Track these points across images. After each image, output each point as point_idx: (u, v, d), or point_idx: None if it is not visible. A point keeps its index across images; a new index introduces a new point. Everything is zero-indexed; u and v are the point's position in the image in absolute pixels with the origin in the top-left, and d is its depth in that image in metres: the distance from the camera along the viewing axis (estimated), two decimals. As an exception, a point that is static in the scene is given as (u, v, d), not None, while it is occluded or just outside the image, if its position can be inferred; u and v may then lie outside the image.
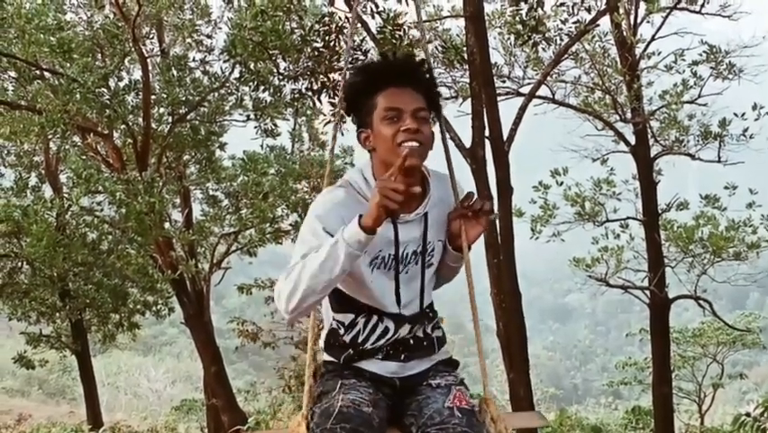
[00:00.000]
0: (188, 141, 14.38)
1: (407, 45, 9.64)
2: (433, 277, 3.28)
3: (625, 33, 13.21)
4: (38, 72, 12.93)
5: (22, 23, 11.31)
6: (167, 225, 14.11)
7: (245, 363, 40.70)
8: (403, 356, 3.22)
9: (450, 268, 3.29)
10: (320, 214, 2.96)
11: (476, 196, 3.15)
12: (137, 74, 13.65)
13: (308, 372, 3.20)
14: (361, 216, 2.77)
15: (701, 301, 14.64)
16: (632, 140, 14.10)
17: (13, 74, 13.27)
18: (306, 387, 3.26)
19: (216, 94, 13.43)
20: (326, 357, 3.28)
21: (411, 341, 3.23)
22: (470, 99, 9.76)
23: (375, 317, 3.16)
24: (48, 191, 16.59)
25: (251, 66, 11.46)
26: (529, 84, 13.19)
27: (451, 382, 3.23)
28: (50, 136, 14.31)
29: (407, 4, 9.55)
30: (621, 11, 12.74)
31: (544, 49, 12.36)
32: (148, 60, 13.30)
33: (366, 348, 3.17)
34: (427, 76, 3.08)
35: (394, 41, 9.59)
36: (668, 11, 12.92)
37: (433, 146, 3.06)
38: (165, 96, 13.02)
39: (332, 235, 2.85)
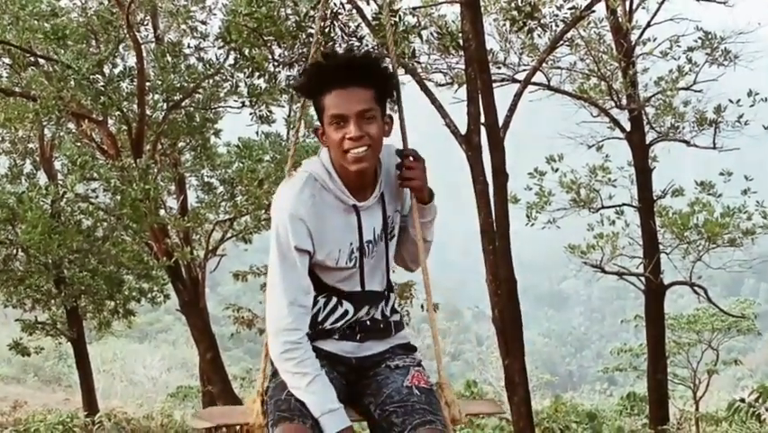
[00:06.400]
0: (183, 127, 14.33)
1: (403, 31, 9.62)
2: (393, 249, 3.33)
3: (620, 19, 13.20)
4: (32, 59, 12.89)
5: (17, 10, 11.27)
6: (162, 211, 14.09)
7: (241, 349, 40.75)
8: (359, 336, 3.26)
9: (424, 225, 3.30)
10: (287, 231, 3.01)
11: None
12: (131, 60, 13.60)
13: (264, 351, 3.23)
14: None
15: (696, 288, 14.68)
16: (627, 126, 14.12)
17: (7, 60, 13.23)
18: (261, 365, 3.32)
19: (211, 80, 13.37)
20: None
21: (368, 322, 3.28)
22: (465, 86, 9.77)
23: (335, 299, 3.21)
24: (43, 178, 16.56)
25: (246, 52, 11.41)
26: (525, 70, 13.20)
27: (409, 363, 3.29)
28: (44, 123, 14.26)
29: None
30: (617, -3, 12.74)
31: (539, 35, 12.38)
32: (142, 47, 13.23)
33: (324, 328, 3.21)
34: (374, 69, 3.02)
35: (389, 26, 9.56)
36: (663, -3, 12.94)
37: (390, 133, 3.12)
38: (160, 82, 12.97)
39: (301, 251, 3.02)
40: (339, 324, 3.22)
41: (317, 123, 3.12)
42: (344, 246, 3.11)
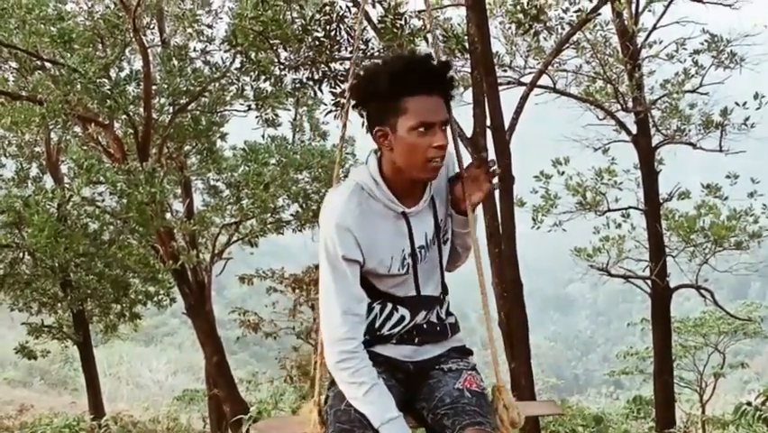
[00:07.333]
0: (189, 131, 14.36)
1: (409, 35, 9.62)
2: (447, 252, 3.28)
3: (626, 22, 13.20)
4: (39, 62, 12.93)
5: (23, 14, 11.32)
6: (168, 215, 14.12)
7: (247, 353, 40.73)
8: (417, 340, 3.22)
9: (458, 235, 3.27)
10: (335, 242, 2.96)
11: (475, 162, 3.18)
12: (138, 64, 13.66)
13: (318, 359, 3.19)
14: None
15: (703, 291, 14.65)
16: (633, 129, 14.11)
17: (14, 64, 13.29)
18: (317, 374, 3.28)
19: (217, 84, 13.42)
20: None
21: (425, 325, 3.24)
22: (471, 88, 9.76)
23: (390, 305, 3.17)
24: (49, 182, 16.59)
25: (252, 56, 11.44)
26: (530, 73, 13.19)
27: (462, 366, 3.25)
28: (50, 127, 14.33)
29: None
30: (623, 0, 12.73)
31: (545, 38, 12.38)
32: (148, 51, 13.28)
33: (382, 334, 3.18)
34: (451, 77, 2.98)
35: (395, 30, 9.57)
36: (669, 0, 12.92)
37: None
38: (166, 86, 13.02)
39: (350, 261, 2.97)
40: (396, 329, 3.19)
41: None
42: (396, 253, 3.07)
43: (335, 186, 3.18)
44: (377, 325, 3.17)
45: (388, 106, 2.90)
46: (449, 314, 3.36)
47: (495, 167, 3.16)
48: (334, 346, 2.99)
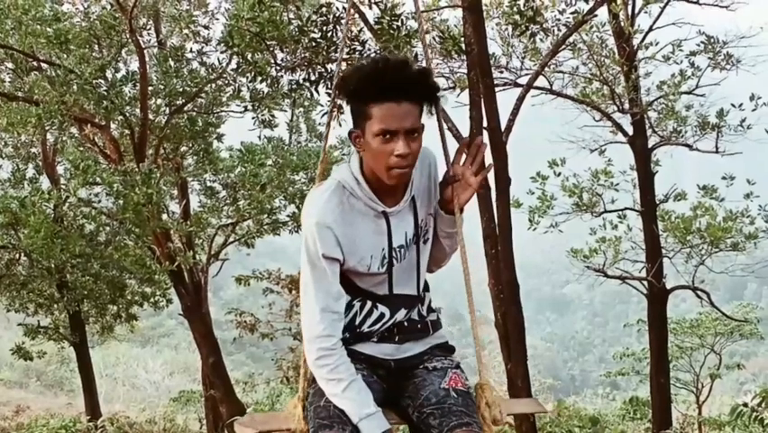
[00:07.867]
0: (186, 132, 14.34)
1: (405, 36, 9.61)
2: (428, 252, 3.30)
3: (622, 24, 13.19)
4: (35, 63, 12.92)
5: (19, 14, 11.29)
6: (164, 216, 14.09)
7: (243, 354, 40.76)
8: (398, 338, 3.25)
9: (447, 235, 3.28)
10: (315, 239, 2.98)
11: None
12: (134, 65, 13.63)
13: (303, 356, 3.19)
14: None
15: (699, 292, 14.65)
16: (630, 130, 14.10)
17: (10, 65, 13.26)
18: (301, 371, 3.29)
19: (214, 85, 13.41)
20: None
21: (406, 323, 3.27)
22: (467, 90, 9.76)
23: (369, 303, 3.20)
24: (45, 183, 16.56)
25: (249, 57, 11.41)
26: (527, 75, 13.18)
27: (447, 365, 3.27)
28: (47, 127, 14.25)
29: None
30: (619, 1, 12.73)
31: (541, 39, 12.36)
32: (145, 51, 13.26)
33: (363, 331, 3.20)
34: (428, 86, 2.96)
35: (392, 31, 9.57)
36: (666, 1, 12.93)
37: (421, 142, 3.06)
38: (162, 87, 12.99)
39: (330, 259, 3.00)
40: (376, 327, 3.21)
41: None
42: (376, 252, 3.10)
43: (317, 184, 3.19)
44: (357, 322, 3.20)
45: (359, 110, 2.93)
46: (431, 311, 3.39)
47: (483, 143, 3.18)
48: (313, 344, 3.03)
